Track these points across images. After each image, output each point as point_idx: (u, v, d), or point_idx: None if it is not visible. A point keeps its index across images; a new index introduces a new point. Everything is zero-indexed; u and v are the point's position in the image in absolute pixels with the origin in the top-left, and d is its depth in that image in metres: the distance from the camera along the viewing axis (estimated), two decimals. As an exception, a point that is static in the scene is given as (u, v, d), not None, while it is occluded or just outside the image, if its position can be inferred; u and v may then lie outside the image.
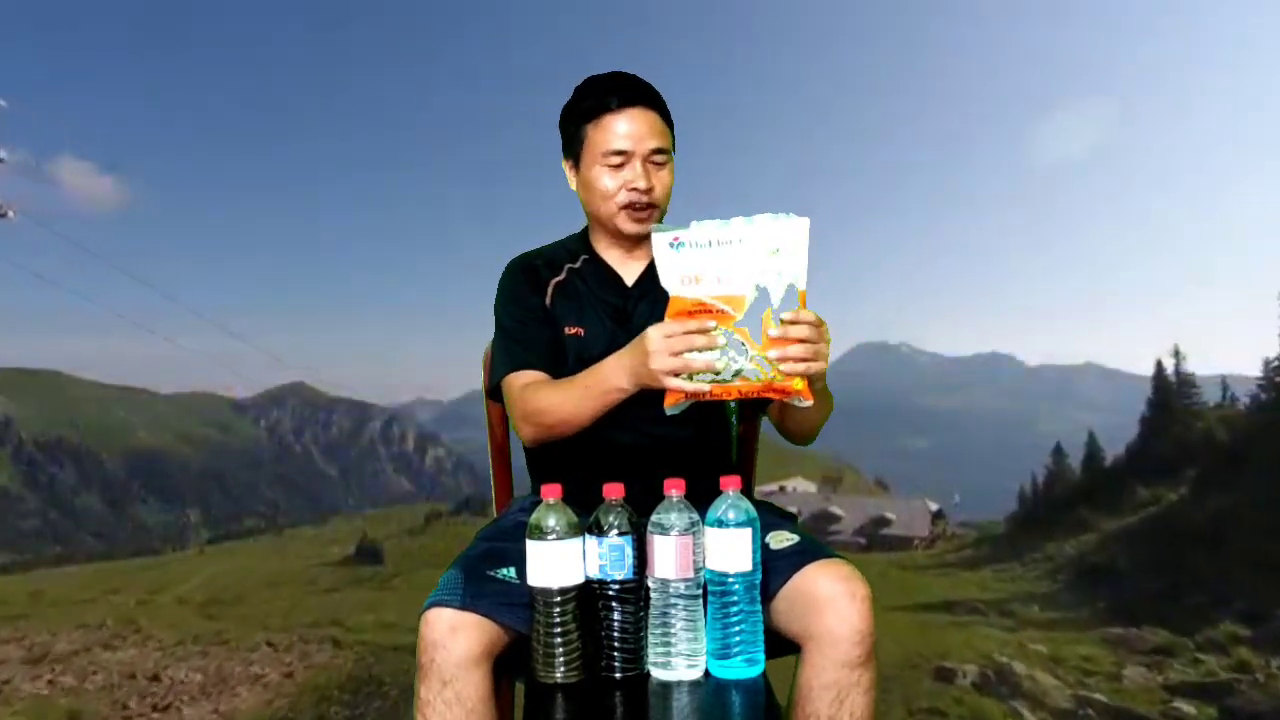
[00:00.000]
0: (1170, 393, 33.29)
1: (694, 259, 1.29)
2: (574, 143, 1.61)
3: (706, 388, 1.28)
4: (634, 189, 1.55)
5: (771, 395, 1.28)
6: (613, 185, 1.56)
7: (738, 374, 1.27)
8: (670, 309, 1.30)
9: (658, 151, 1.56)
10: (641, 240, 1.62)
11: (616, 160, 1.55)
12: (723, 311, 1.27)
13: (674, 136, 1.61)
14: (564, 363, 1.57)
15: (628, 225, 1.58)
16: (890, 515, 52.36)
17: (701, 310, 1.28)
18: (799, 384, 1.27)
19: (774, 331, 1.26)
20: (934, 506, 55.87)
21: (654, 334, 1.28)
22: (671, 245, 1.30)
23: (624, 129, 1.54)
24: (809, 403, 1.29)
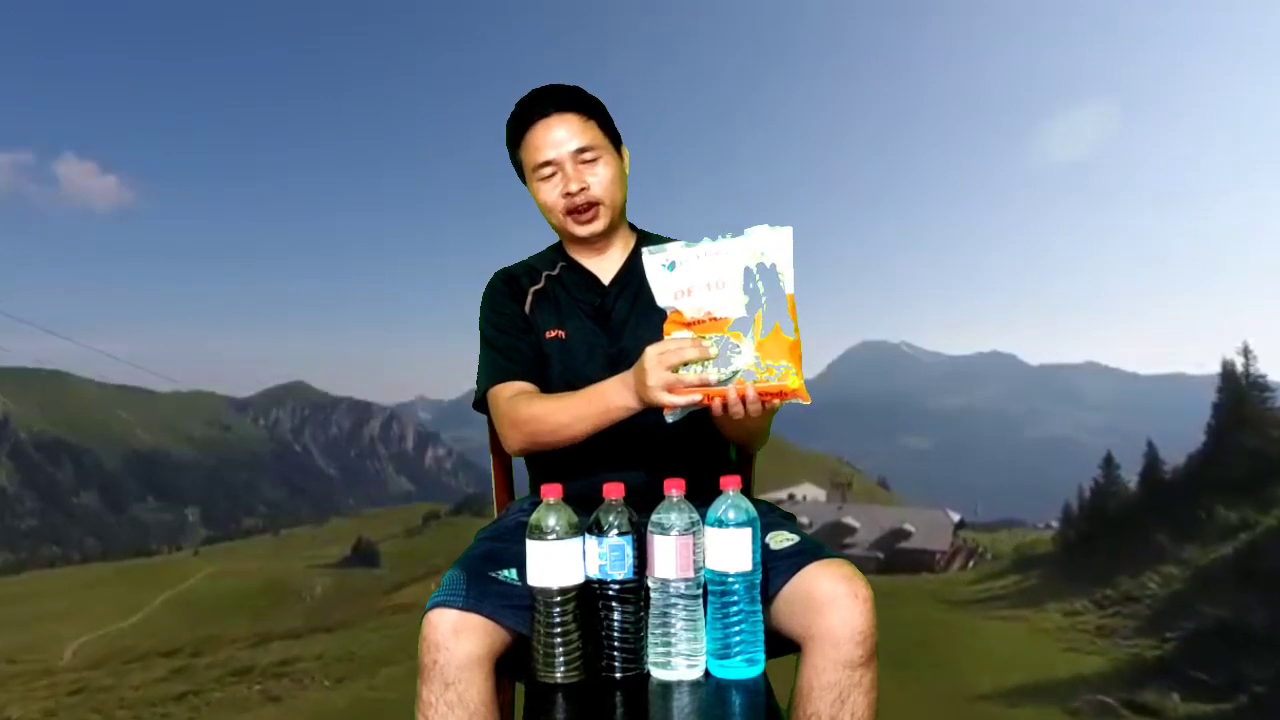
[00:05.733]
0: (1242, 397, 28.38)
1: (685, 273, 1.34)
2: (518, 169, 1.66)
3: (699, 398, 1.29)
4: (567, 194, 1.58)
5: (768, 397, 1.29)
6: (552, 196, 1.60)
7: (734, 375, 1.29)
8: (668, 322, 1.35)
9: (582, 150, 1.58)
10: (609, 239, 1.67)
11: (546, 172, 1.60)
12: (716, 320, 1.30)
13: (609, 129, 1.63)
14: (547, 370, 1.59)
15: (577, 229, 1.62)
16: (909, 527, 49.32)
17: (694, 323, 1.32)
18: (794, 383, 1.28)
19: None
20: (955, 516, 53.34)
21: (650, 351, 1.30)
22: (664, 266, 1.35)
23: (542, 140, 1.58)
24: (808, 403, 1.29)
